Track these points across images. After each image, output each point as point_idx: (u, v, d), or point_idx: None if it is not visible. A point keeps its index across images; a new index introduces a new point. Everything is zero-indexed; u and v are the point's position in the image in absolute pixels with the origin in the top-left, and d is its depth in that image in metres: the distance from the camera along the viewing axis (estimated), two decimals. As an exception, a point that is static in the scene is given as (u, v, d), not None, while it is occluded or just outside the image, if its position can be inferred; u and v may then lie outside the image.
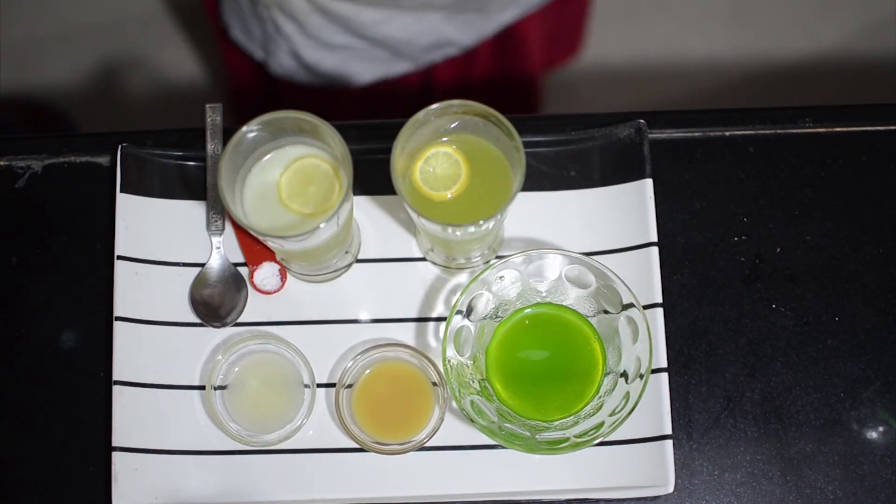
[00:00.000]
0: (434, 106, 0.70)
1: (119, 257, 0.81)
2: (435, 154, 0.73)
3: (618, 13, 1.81)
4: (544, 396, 0.78)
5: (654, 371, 0.78)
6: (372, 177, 0.82)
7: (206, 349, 0.81)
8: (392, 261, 0.83)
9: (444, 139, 0.73)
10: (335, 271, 0.82)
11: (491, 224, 0.71)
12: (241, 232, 0.82)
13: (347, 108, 1.27)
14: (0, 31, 1.80)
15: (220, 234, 0.82)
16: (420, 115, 0.70)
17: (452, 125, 0.73)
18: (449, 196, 0.72)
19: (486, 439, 0.78)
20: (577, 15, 1.49)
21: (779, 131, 0.87)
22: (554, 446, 0.73)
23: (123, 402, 0.78)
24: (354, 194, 0.83)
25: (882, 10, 1.84)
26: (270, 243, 0.72)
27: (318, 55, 1.15)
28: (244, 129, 0.70)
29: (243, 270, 0.82)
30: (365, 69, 1.18)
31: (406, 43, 1.13)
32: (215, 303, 0.81)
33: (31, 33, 1.82)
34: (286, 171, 0.72)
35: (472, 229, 0.70)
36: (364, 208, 0.84)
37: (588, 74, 1.74)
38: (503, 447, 0.77)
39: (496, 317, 0.79)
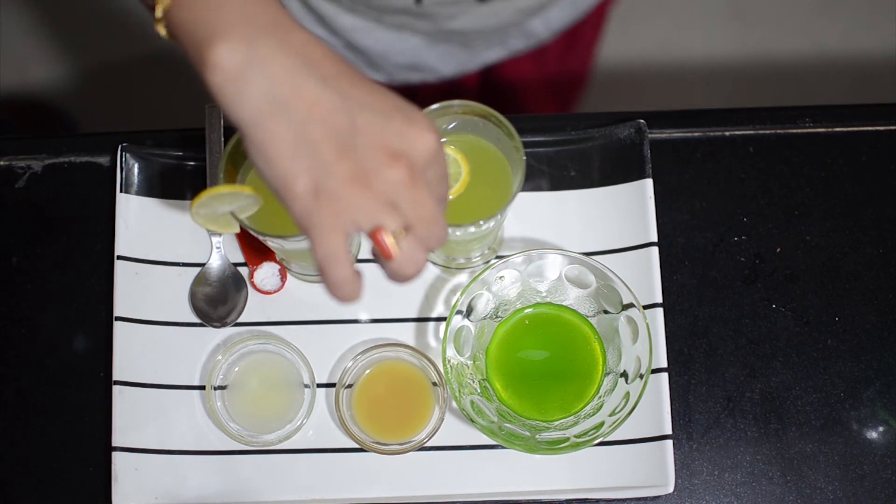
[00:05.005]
0: (434, 106, 0.70)
1: (119, 257, 0.81)
2: None
3: (617, 13, 1.81)
4: (544, 396, 0.78)
5: (654, 371, 0.78)
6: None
7: (206, 349, 0.81)
8: (392, 261, 0.83)
9: (444, 139, 0.73)
10: None
11: (491, 224, 0.71)
12: (242, 232, 0.82)
13: None
14: (0, 31, 1.80)
15: (220, 234, 0.82)
16: None
17: (452, 125, 0.73)
18: (449, 196, 0.72)
19: (486, 439, 0.78)
20: (578, 72, 1.36)
21: (779, 131, 0.87)
22: (554, 446, 0.73)
23: (123, 402, 0.78)
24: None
25: (882, 9, 1.84)
26: (270, 243, 0.72)
27: None
28: None
29: (243, 270, 0.82)
30: None
31: (381, 57, 1.10)
32: (215, 303, 0.81)
33: (32, 33, 1.82)
34: None
35: (472, 229, 0.70)
36: (364, 208, 0.84)
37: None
38: (503, 447, 0.78)
39: (496, 317, 0.79)
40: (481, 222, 0.69)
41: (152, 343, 0.80)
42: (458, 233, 0.71)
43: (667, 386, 0.78)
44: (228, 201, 0.68)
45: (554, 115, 0.87)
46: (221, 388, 0.79)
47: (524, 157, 0.69)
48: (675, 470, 0.78)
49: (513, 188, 0.71)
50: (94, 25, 1.82)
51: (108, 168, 0.85)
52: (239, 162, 0.71)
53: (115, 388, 0.79)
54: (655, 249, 0.81)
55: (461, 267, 0.82)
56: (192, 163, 0.84)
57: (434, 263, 0.83)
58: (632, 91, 1.81)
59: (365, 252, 0.83)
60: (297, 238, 0.69)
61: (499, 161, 0.73)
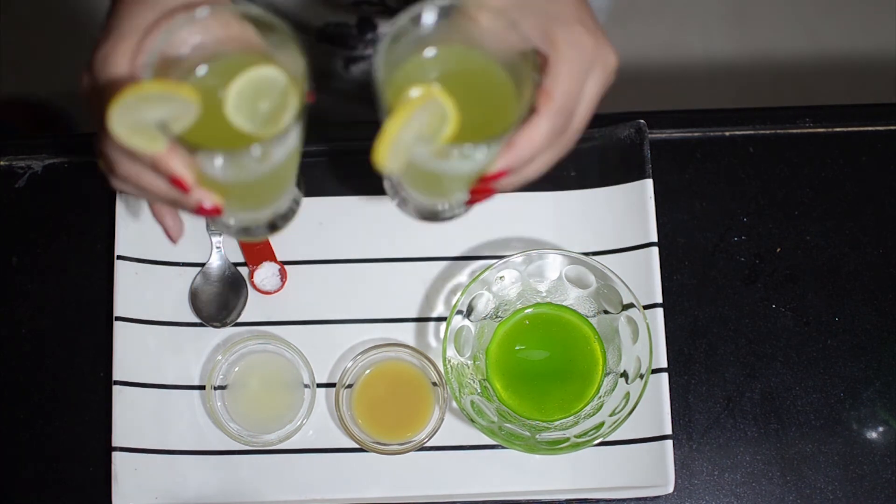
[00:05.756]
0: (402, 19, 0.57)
1: (119, 257, 0.81)
2: (416, 114, 0.56)
3: (617, 14, 1.81)
4: (544, 396, 0.78)
5: (654, 371, 0.78)
6: (372, 176, 0.82)
7: (206, 349, 0.81)
8: (391, 260, 0.83)
9: (430, 67, 0.60)
10: (272, 223, 0.69)
11: (482, 154, 0.58)
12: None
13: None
14: (0, 31, 1.80)
15: (220, 234, 0.82)
16: (393, 29, 0.57)
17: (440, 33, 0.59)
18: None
19: (486, 439, 0.78)
20: None
21: (779, 131, 0.87)
22: (554, 446, 0.73)
23: (123, 402, 0.78)
24: (354, 193, 0.83)
25: (882, 10, 1.84)
26: (207, 167, 0.57)
27: None
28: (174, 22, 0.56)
29: (243, 270, 0.82)
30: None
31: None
32: (215, 303, 0.81)
33: (32, 33, 1.82)
34: (235, 79, 0.58)
35: (455, 157, 0.57)
36: (364, 208, 0.84)
37: (588, 74, 1.74)
38: (503, 447, 0.77)
39: (496, 317, 0.79)
40: (468, 146, 0.56)
41: (152, 343, 0.80)
42: (444, 164, 0.59)
43: (667, 386, 0.78)
44: (158, 105, 0.54)
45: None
46: (221, 388, 0.79)
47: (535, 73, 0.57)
48: (675, 470, 0.78)
49: (515, 113, 0.58)
50: (94, 25, 1.82)
51: (108, 168, 0.85)
52: (170, 66, 0.57)
53: (115, 388, 0.79)
54: (655, 249, 0.81)
55: (434, 216, 0.69)
56: (192, 163, 0.84)
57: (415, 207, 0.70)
58: (632, 91, 1.81)
59: (366, 252, 0.83)
60: (240, 154, 0.55)
61: (497, 75, 0.60)
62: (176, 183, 0.57)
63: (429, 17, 0.58)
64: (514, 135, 0.58)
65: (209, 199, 0.59)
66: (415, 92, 0.58)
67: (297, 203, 0.70)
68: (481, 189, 0.62)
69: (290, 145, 0.58)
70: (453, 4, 0.57)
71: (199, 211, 0.59)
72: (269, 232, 0.69)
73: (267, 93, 0.58)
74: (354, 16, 0.93)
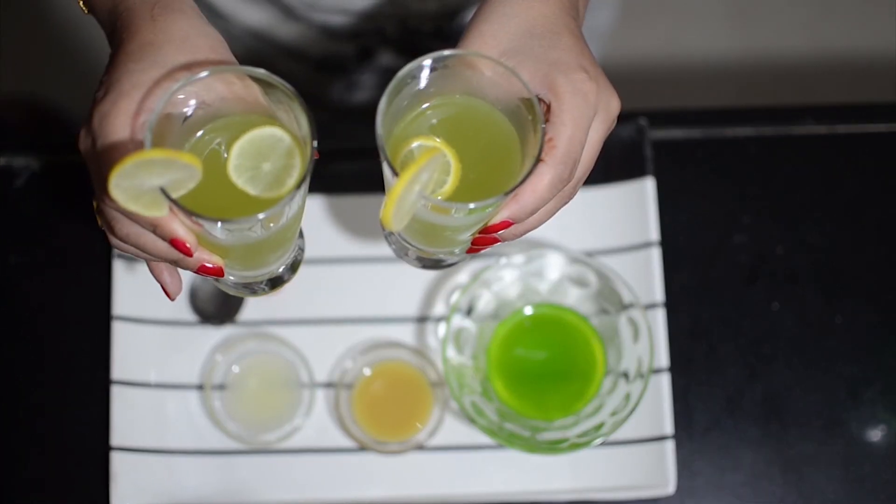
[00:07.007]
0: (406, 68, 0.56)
1: (118, 256, 0.81)
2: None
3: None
4: (545, 396, 0.78)
5: (655, 371, 0.78)
6: (373, 174, 0.82)
7: (206, 349, 0.81)
8: (391, 260, 0.83)
9: (431, 118, 0.59)
10: (270, 282, 0.68)
11: (486, 209, 0.57)
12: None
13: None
14: (0, 31, 1.80)
15: (220, 234, 0.82)
16: (394, 82, 0.56)
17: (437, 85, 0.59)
18: (437, 199, 0.57)
19: (486, 439, 0.78)
20: None
21: (779, 131, 0.87)
22: (554, 446, 0.73)
23: (123, 402, 0.78)
24: (354, 191, 0.83)
25: (882, 10, 1.84)
26: (208, 230, 0.56)
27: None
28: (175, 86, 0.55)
29: (243, 270, 0.82)
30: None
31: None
32: (214, 301, 0.81)
33: (32, 33, 1.82)
34: (238, 139, 0.57)
35: (457, 214, 0.57)
36: (364, 207, 0.84)
37: (588, 74, 1.73)
38: (503, 447, 0.77)
39: (496, 317, 0.79)
40: (472, 204, 0.54)
41: (151, 343, 0.80)
42: (455, 214, 0.58)
43: (667, 386, 0.78)
44: (160, 171, 0.52)
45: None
46: (220, 387, 0.79)
47: (542, 126, 0.56)
48: (676, 470, 0.78)
49: (518, 162, 0.57)
50: (93, 25, 1.82)
51: (107, 167, 0.85)
52: (172, 124, 0.56)
53: (114, 388, 0.78)
54: (656, 249, 0.81)
55: (435, 264, 0.69)
56: (191, 162, 0.84)
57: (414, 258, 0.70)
58: (632, 91, 1.81)
59: (365, 251, 0.83)
60: (244, 222, 0.53)
61: (500, 124, 0.59)
62: (177, 245, 0.56)
63: (429, 67, 0.56)
64: (518, 185, 0.57)
65: (211, 261, 0.59)
66: (416, 144, 0.58)
67: (301, 251, 0.68)
68: (484, 240, 0.61)
69: (295, 206, 0.57)
70: (453, 54, 0.56)
71: (200, 271, 0.59)
72: (273, 288, 0.67)
73: (270, 153, 0.57)
74: (354, 46, 0.92)
